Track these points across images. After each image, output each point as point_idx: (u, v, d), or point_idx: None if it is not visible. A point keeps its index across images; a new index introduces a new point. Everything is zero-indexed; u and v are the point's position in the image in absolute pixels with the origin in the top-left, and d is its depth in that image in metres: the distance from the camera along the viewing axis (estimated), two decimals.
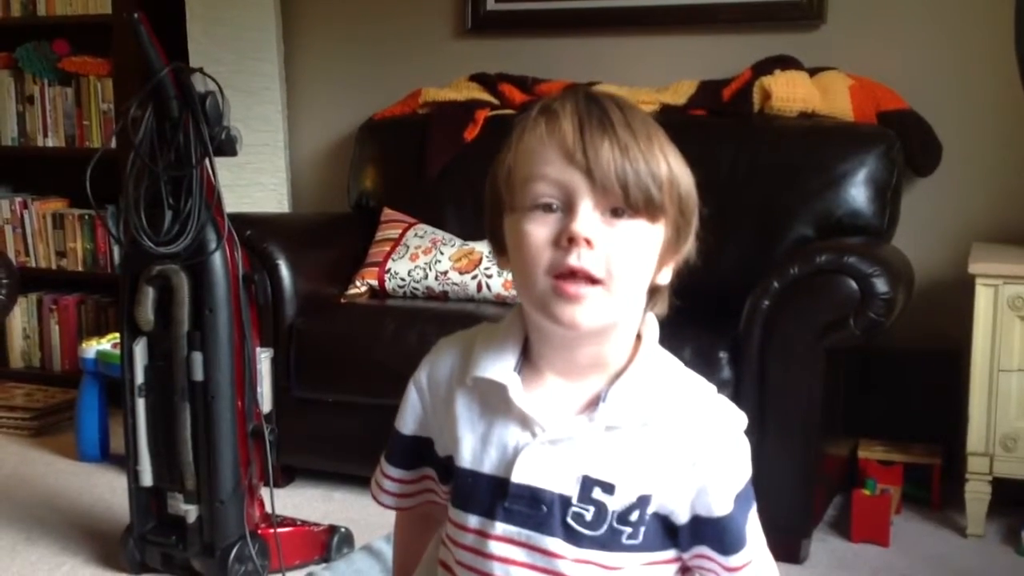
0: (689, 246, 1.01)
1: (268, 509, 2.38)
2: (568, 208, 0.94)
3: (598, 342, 0.97)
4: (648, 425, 0.96)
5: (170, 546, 2.37)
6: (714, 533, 0.97)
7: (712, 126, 3.08)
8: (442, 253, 3.06)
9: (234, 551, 2.28)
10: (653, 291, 1.01)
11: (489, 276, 2.96)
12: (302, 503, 2.88)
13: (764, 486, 2.65)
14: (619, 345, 0.99)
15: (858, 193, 2.84)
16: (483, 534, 0.99)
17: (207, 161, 2.22)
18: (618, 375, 0.98)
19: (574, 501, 0.96)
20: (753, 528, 1.00)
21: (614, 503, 0.95)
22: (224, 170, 2.38)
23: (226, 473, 2.28)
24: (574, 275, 0.93)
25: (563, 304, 0.93)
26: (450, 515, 1.03)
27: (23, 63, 3.95)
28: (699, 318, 2.27)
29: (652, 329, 1.02)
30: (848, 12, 3.17)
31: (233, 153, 2.26)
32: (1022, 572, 2.50)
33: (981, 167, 3.07)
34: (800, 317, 2.43)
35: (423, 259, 3.07)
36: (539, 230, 0.95)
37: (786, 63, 3.09)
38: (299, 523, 2.50)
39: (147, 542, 2.39)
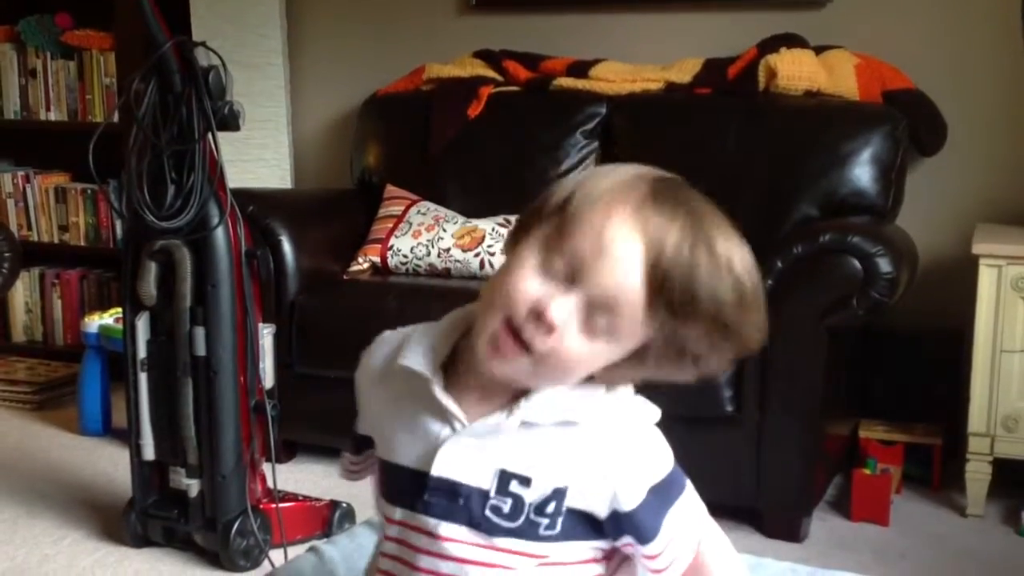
0: (658, 375, 0.97)
1: (270, 484, 2.39)
2: (569, 280, 0.91)
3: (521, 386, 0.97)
4: (565, 424, 0.96)
5: (172, 520, 2.38)
6: (630, 524, 0.97)
7: (717, 104, 3.07)
8: (445, 230, 3.06)
9: (236, 525, 2.29)
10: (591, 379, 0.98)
11: (492, 254, 2.96)
12: (304, 478, 2.89)
13: (765, 464, 2.66)
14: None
15: (863, 172, 2.83)
16: (407, 526, 1.00)
17: (210, 136, 2.21)
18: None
19: (492, 494, 0.96)
20: (676, 519, 0.99)
21: (530, 495, 0.96)
22: (227, 145, 2.38)
23: (228, 448, 2.29)
24: (517, 338, 0.91)
25: (491, 351, 0.92)
26: (378, 506, 1.05)
27: (26, 36, 3.94)
28: None
29: None
30: None
31: (236, 128, 2.26)
32: (1022, 552, 2.50)
33: (986, 147, 3.06)
34: (803, 296, 2.42)
35: (426, 236, 3.06)
36: (532, 284, 0.91)
37: (792, 41, 3.07)
38: (301, 498, 2.51)
39: (149, 516, 2.40)
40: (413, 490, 0.99)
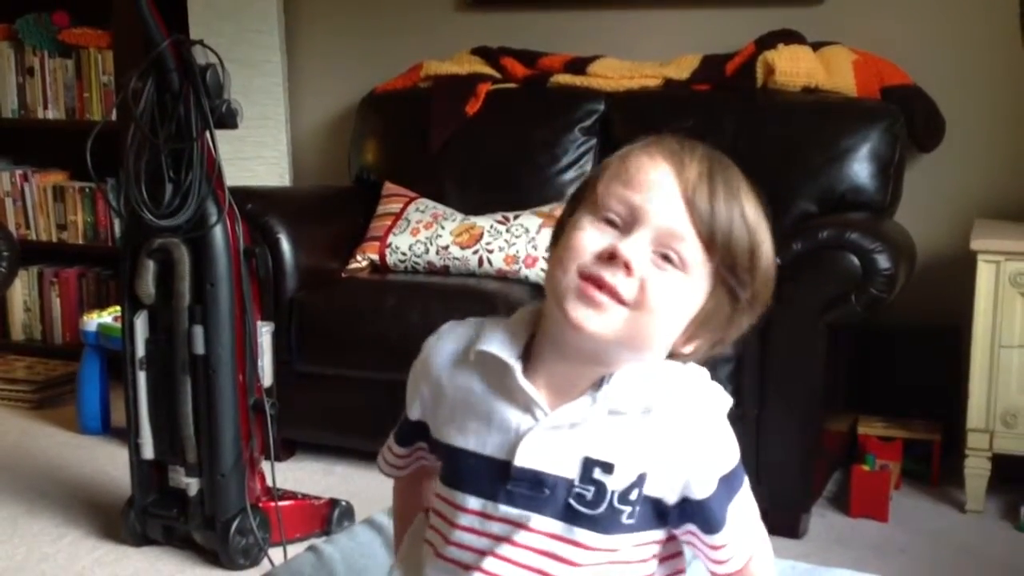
0: (732, 334, 1.01)
1: (269, 482, 2.39)
2: (627, 229, 0.95)
3: (603, 362, 0.97)
4: (649, 411, 0.97)
5: (171, 519, 2.38)
6: (699, 513, 0.99)
7: (715, 101, 3.07)
8: (443, 228, 3.05)
9: (235, 524, 2.29)
10: (674, 356, 1.01)
11: (490, 251, 2.96)
12: (303, 477, 2.89)
13: (764, 461, 2.65)
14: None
15: (861, 169, 2.83)
16: (485, 516, 0.99)
17: (208, 134, 2.21)
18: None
19: (576, 483, 0.97)
20: (738, 510, 1.01)
21: (613, 483, 0.96)
22: (225, 143, 2.37)
23: (227, 446, 2.29)
24: (601, 287, 0.93)
25: (580, 304, 0.93)
26: (442, 493, 1.04)
27: (23, 35, 3.94)
28: None
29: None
30: None
31: (234, 126, 2.26)
32: (1021, 548, 2.51)
33: (984, 143, 3.06)
34: (802, 293, 2.42)
35: (424, 233, 3.06)
36: (594, 235, 0.95)
37: (790, 37, 3.07)
38: (300, 496, 2.51)
39: (148, 515, 2.40)
40: (492, 479, 0.99)
